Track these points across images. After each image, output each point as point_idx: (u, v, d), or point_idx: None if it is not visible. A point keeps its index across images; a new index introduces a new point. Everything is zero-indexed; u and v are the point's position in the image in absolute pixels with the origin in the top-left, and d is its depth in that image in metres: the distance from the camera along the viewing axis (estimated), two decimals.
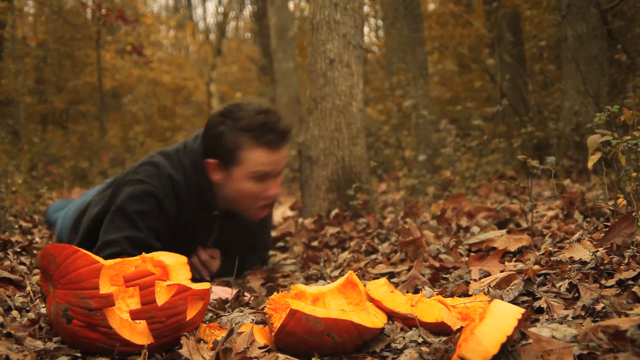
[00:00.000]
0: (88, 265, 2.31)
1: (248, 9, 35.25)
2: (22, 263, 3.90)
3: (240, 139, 3.84)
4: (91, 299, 2.27)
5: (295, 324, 2.24)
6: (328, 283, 3.05)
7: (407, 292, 3.08)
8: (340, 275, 3.69)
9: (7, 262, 3.68)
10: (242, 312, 2.78)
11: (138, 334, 2.36)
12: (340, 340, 2.26)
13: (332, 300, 2.54)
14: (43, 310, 2.68)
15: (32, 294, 3.01)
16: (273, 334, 2.31)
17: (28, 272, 3.60)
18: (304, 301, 2.48)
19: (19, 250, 4.41)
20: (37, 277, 3.44)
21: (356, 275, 3.37)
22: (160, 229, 3.87)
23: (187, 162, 4.00)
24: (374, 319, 2.35)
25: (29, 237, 5.24)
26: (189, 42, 37.70)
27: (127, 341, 2.32)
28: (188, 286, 2.43)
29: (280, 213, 8.12)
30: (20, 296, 2.93)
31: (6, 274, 3.13)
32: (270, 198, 4.07)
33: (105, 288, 2.30)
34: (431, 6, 22.53)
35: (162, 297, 2.38)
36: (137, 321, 2.36)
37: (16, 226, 5.66)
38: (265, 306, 2.47)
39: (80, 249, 2.34)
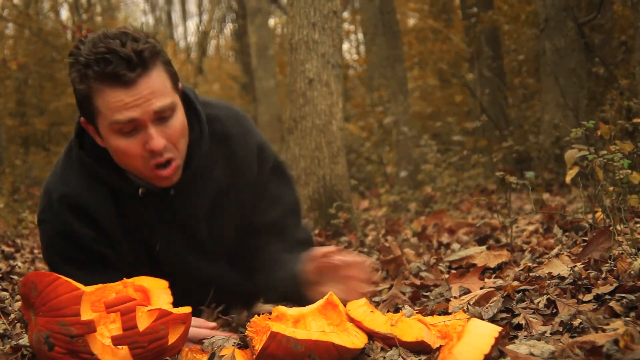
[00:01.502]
0: (69, 292, 2.31)
1: (228, 28, 35.24)
2: (4, 289, 3.89)
3: (86, 81, 2.65)
4: (72, 326, 2.28)
5: (276, 347, 2.24)
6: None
7: (388, 311, 3.09)
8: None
9: None
10: (222, 336, 2.78)
11: (120, 359, 2.36)
12: None
13: (312, 321, 2.54)
14: (25, 339, 2.68)
15: (14, 322, 3.01)
16: (254, 357, 2.31)
17: (10, 298, 3.60)
18: (284, 323, 2.48)
19: (0, 276, 4.40)
20: (19, 304, 3.43)
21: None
22: (92, 257, 2.94)
23: (76, 151, 2.96)
24: (354, 340, 2.36)
25: (11, 262, 5.22)
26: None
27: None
28: (169, 311, 2.44)
29: None
30: (2, 323, 2.93)
31: None
32: (155, 153, 2.71)
33: (86, 314, 2.30)
34: (411, 21, 22.60)
35: (143, 323, 2.38)
36: (119, 347, 2.37)
37: None
38: (246, 329, 2.47)
39: (61, 276, 2.35)
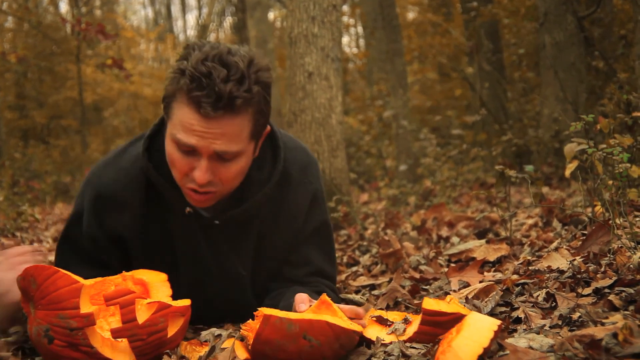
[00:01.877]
0: (68, 286, 2.32)
1: (228, 21, 35.19)
2: None
3: (177, 85, 2.65)
4: (72, 319, 2.28)
5: (270, 330, 2.23)
6: None
7: (387, 305, 3.10)
8: None
9: None
10: (222, 326, 2.78)
11: (120, 352, 2.36)
12: (317, 343, 2.25)
13: None
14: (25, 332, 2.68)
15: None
16: (249, 347, 2.32)
17: None
18: None
19: None
20: None
21: (337, 287, 3.39)
22: (95, 251, 2.99)
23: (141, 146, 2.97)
24: (349, 323, 2.37)
25: None
26: (169, 54, 37.64)
27: (107, 359, 2.33)
28: (169, 303, 2.44)
29: None
30: None
31: None
32: (195, 182, 2.73)
33: (85, 308, 2.30)
34: (410, 15, 22.58)
35: (142, 315, 2.38)
36: (119, 340, 2.37)
37: None
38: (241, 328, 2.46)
39: (60, 269, 2.35)
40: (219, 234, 2.99)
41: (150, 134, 2.95)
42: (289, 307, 2.71)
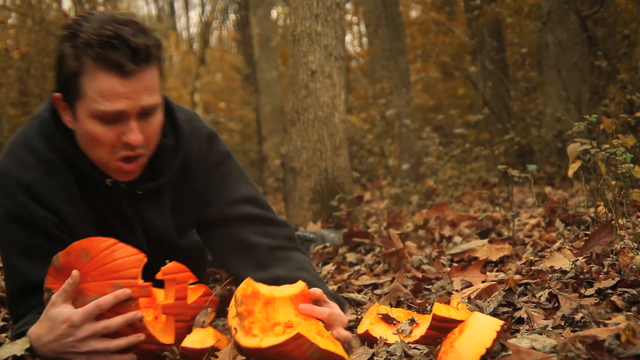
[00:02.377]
0: (129, 256, 2.35)
1: (231, 19, 35.20)
2: None
3: (80, 59, 2.54)
4: (130, 288, 2.30)
5: (294, 348, 2.20)
6: None
7: (390, 304, 3.10)
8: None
9: None
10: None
11: (161, 332, 2.39)
12: None
13: (281, 307, 2.49)
14: None
15: None
16: (251, 343, 2.28)
17: None
18: (255, 302, 2.42)
19: None
20: None
21: (340, 286, 3.39)
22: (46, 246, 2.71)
23: (36, 128, 2.85)
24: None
25: None
26: (172, 51, 37.65)
27: (152, 337, 2.35)
28: (211, 290, 2.49)
29: None
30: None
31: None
32: (129, 147, 2.67)
33: (141, 280, 2.35)
34: (413, 13, 22.57)
35: (191, 296, 2.42)
36: (163, 317, 2.41)
37: None
38: (238, 305, 2.41)
39: (119, 241, 2.39)
40: (140, 204, 2.94)
41: (52, 115, 2.82)
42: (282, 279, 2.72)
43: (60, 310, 2.31)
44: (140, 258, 2.35)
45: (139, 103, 2.58)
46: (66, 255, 2.36)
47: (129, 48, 2.50)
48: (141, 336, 2.33)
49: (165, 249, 3.01)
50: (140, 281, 2.33)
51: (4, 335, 2.73)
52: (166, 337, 2.39)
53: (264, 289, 2.44)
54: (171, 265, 2.40)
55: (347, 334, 2.53)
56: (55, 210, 2.74)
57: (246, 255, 3.06)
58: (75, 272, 2.32)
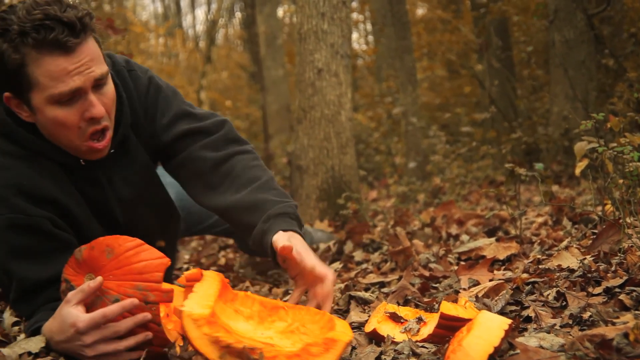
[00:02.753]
0: (154, 259, 2.35)
1: (237, 17, 35.21)
2: None
3: (20, 50, 2.52)
4: (152, 292, 2.31)
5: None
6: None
7: (397, 302, 3.10)
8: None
9: None
10: None
11: (169, 331, 2.41)
12: None
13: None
14: None
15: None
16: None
17: None
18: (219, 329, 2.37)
19: None
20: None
21: (347, 284, 3.39)
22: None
23: None
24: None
25: None
26: (178, 49, 37.65)
27: (167, 341, 2.36)
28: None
29: None
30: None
31: None
32: (94, 121, 2.70)
33: (165, 284, 2.37)
34: (419, 11, 22.55)
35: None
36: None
37: None
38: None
39: (144, 242, 2.40)
40: (112, 170, 3.01)
41: (8, 115, 2.79)
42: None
43: (70, 312, 2.31)
44: (165, 262, 2.36)
45: (91, 75, 2.60)
46: (90, 250, 2.37)
47: (64, 25, 2.51)
48: (149, 334, 2.33)
49: (139, 211, 3.13)
50: (164, 285, 2.34)
51: (16, 328, 2.74)
52: (172, 336, 2.41)
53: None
54: (193, 272, 2.41)
55: (326, 290, 2.66)
56: (53, 201, 2.75)
57: (197, 178, 3.16)
58: (99, 278, 2.32)
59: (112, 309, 2.28)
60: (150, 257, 2.36)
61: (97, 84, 2.65)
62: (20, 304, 2.69)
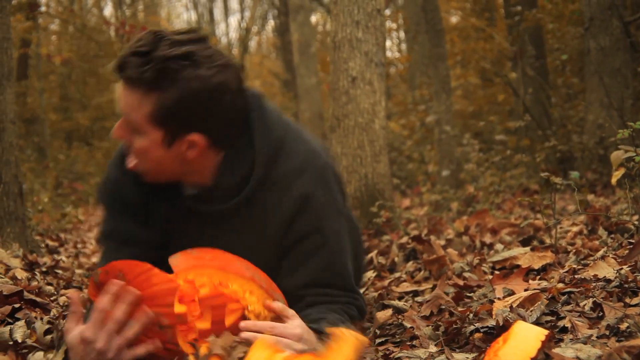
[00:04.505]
0: (164, 284, 2.34)
1: (270, 24, 35.36)
2: (49, 283, 3.92)
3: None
4: (164, 316, 2.31)
5: None
6: None
7: (431, 311, 3.09)
8: (365, 294, 3.68)
9: (34, 283, 3.71)
10: None
11: (187, 348, 2.41)
12: None
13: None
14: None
15: (59, 317, 3.02)
16: None
17: (55, 292, 3.63)
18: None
19: (45, 270, 4.44)
20: (63, 298, 3.46)
21: (381, 293, 3.38)
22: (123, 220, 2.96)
23: None
24: None
25: (55, 256, 5.27)
26: None
27: (183, 355, 2.37)
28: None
29: None
30: (48, 318, 2.95)
31: (32, 296, 3.16)
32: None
33: (177, 307, 2.35)
34: (453, 19, 22.52)
35: (229, 318, 2.43)
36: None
37: (42, 245, 5.69)
38: None
39: (154, 267, 2.37)
40: (208, 224, 2.90)
41: None
42: None
43: (73, 334, 2.32)
44: (176, 286, 2.35)
45: (120, 107, 2.60)
46: (104, 274, 2.36)
47: (122, 60, 2.51)
48: (158, 342, 2.34)
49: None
50: (177, 308, 2.33)
51: (49, 337, 2.75)
52: (188, 349, 2.41)
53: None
54: (209, 292, 2.41)
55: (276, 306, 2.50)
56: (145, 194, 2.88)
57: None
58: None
59: (102, 300, 2.29)
60: (159, 281, 2.34)
61: (125, 120, 2.62)
62: (101, 239, 3.03)
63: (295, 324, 2.44)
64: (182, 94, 2.50)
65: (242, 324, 2.40)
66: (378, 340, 2.81)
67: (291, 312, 2.49)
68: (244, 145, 2.75)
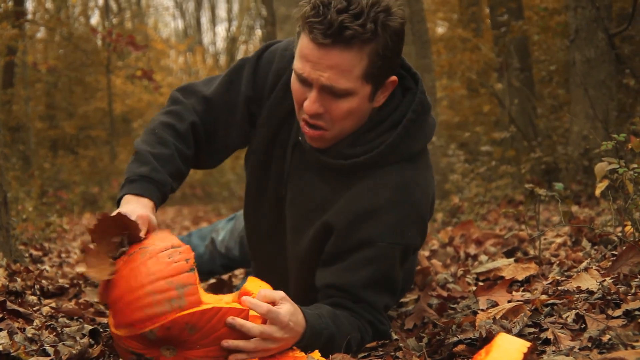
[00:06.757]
0: (237, 313, 2.37)
1: (257, 34, 35.40)
2: (33, 294, 3.90)
3: (302, 13, 2.68)
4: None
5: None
6: None
7: (415, 324, 3.08)
8: None
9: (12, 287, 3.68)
10: None
11: None
12: None
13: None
14: None
15: (42, 328, 3.00)
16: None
17: (39, 302, 3.61)
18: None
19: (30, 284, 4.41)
20: (47, 308, 3.43)
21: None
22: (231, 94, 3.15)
23: None
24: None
25: (39, 266, 5.24)
26: (198, 66, 37.82)
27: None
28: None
29: None
30: (32, 328, 2.93)
31: (15, 306, 3.14)
32: (305, 112, 2.74)
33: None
34: (440, 30, 22.56)
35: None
36: None
37: (26, 254, 5.66)
38: None
39: (222, 306, 2.36)
40: (317, 178, 2.99)
41: None
42: None
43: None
44: (246, 315, 2.38)
45: (320, 78, 2.64)
46: (165, 330, 2.28)
47: (326, 20, 2.56)
48: None
49: (301, 230, 3.04)
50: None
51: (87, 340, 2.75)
52: None
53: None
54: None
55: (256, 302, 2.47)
56: (269, 91, 3.13)
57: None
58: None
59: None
60: (234, 313, 2.38)
61: (330, 91, 2.67)
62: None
63: (284, 309, 2.47)
64: (391, 37, 2.67)
65: (244, 298, 2.46)
66: (361, 355, 2.80)
67: (279, 294, 2.52)
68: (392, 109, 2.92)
